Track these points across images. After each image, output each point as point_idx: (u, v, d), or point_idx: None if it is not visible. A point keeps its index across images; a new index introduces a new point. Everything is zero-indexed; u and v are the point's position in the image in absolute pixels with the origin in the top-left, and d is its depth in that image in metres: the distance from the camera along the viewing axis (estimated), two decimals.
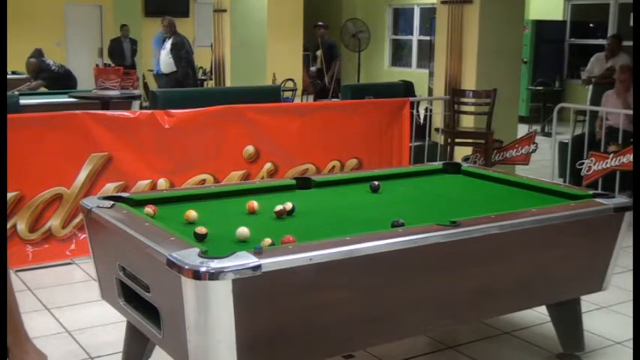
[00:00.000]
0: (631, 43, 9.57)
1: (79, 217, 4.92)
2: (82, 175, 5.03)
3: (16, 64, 10.69)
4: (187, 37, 11.17)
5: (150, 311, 2.81)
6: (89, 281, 4.53)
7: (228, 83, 12.20)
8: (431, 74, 10.83)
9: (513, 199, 3.72)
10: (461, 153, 7.03)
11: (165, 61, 10.68)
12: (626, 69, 7.24)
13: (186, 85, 10.13)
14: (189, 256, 2.49)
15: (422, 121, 8.03)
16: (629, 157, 5.95)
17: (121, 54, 13.58)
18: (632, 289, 4.39)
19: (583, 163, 6.22)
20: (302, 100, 12.19)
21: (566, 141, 7.06)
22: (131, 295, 2.99)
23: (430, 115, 7.86)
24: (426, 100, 8.33)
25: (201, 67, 14.08)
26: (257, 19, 12.88)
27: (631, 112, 6.30)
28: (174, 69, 10.53)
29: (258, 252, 2.54)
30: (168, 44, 10.65)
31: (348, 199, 3.77)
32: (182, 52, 10.49)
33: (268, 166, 5.78)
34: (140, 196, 3.52)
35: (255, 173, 5.72)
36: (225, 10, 12.31)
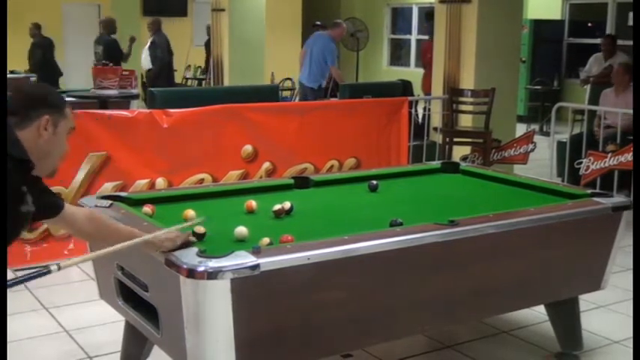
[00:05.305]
0: (628, 42, 9.58)
1: None
2: (81, 175, 5.01)
3: (14, 62, 10.68)
4: (185, 36, 11.18)
5: (148, 311, 2.81)
6: (87, 281, 4.52)
7: (226, 82, 12.18)
8: None
9: (512, 198, 3.72)
10: (459, 152, 7.02)
11: (144, 58, 10.83)
12: (625, 67, 7.23)
13: (159, 84, 10.12)
14: (188, 255, 2.49)
15: (420, 120, 8.02)
16: (627, 157, 5.95)
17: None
18: (629, 288, 4.39)
19: (581, 163, 6.22)
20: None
21: (565, 140, 7.07)
22: (129, 295, 2.99)
23: (428, 115, 7.85)
24: (424, 100, 8.32)
25: (199, 67, 14.05)
26: (255, 19, 12.84)
27: (629, 111, 6.29)
28: (151, 66, 10.67)
29: (257, 251, 2.54)
30: (148, 42, 10.82)
31: (346, 198, 3.77)
32: (157, 51, 10.62)
33: (266, 165, 5.77)
34: (138, 196, 3.53)
35: (254, 173, 5.71)
36: (223, 10, 12.29)
